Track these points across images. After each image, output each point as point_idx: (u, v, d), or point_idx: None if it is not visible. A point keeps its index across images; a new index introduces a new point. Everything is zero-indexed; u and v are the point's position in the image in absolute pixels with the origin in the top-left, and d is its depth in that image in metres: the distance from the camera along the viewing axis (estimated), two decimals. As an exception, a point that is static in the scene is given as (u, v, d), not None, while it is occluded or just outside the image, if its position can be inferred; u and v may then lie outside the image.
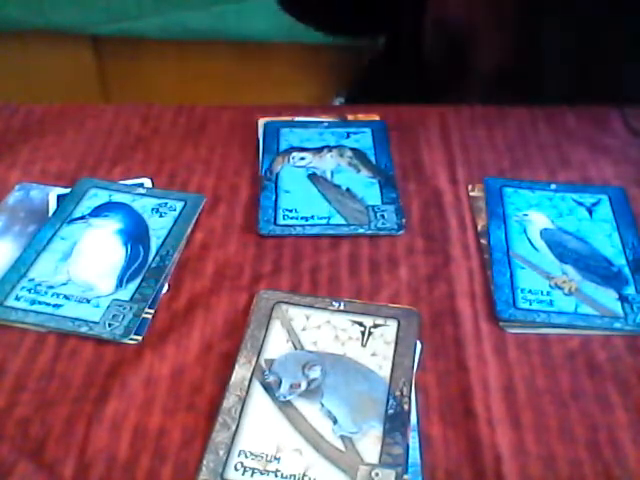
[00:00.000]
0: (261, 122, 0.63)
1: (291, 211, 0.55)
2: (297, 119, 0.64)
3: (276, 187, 0.57)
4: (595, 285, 0.48)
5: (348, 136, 0.62)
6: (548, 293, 0.48)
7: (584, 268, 0.50)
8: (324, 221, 0.54)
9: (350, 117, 0.64)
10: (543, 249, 0.51)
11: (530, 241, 0.52)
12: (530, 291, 0.48)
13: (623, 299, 0.47)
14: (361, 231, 0.53)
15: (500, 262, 0.50)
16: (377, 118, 0.64)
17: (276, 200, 0.55)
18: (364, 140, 0.61)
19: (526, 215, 0.54)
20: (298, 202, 0.55)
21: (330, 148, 0.60)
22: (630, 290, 0.48)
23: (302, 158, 0.59)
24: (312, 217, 0.54)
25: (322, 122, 0.64)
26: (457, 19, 0.72)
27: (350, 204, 0.55)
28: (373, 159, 0.59)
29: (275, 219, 0.54)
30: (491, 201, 0.55)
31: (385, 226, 0.53)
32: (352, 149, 0.60)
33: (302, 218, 0.54)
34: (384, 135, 0.62)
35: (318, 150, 0.60)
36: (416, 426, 0.40)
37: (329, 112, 0.65)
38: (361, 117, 0.64)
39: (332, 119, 0.64)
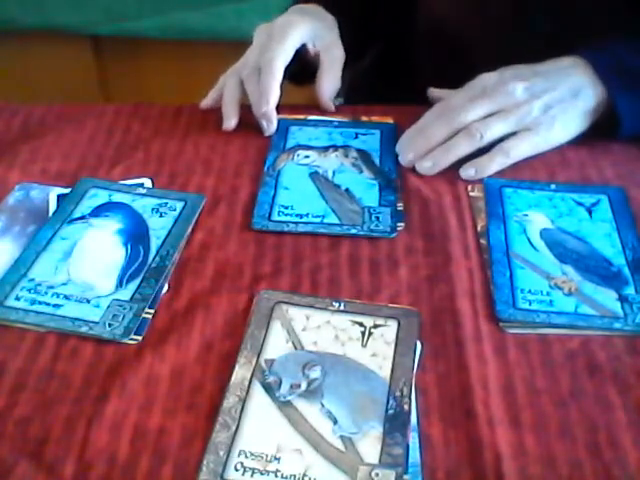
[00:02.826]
0: None
1: (287, 207, 0.55)
2: (310, 118, 0.64)
3: (276, 183, 0.57)
4: (595, 285, 0.48)
5: (356, 136, 0.62)
6: (548, 293, 0.48)
7: (584, 268, 0.50)
8: (318, 219, 0.54)
9: (364, 118, 0.64)
10: (543, 249, 0.51)
11: (530, 241, 0.52)
12: (530, 291, 0.48)
13: (623, 299, 0.47)
14: (354, 232, 0.52)
15: (500, 262, 0.50)
16: (391, 121, 0.64)
17: (274, 196, 0.56)
18: (372, 141, 0.61)
19: (526, 215, 0.54)
20: (295, 199, 0.55)
21: (336, 148, 0.60)
22: (630, 290, 0.48)
23: (307, 156, 0.59)
24: (307, 215, 0.54)
25: (332, 121, 0.64)
26: (450, 19, 0.72)
27: (347, 204, 0.55)
28: (377, 161, 0.59)
29: (270, 215, 0.54)
30: (491, 201, 0.55)
31: (378, 228, 0.53)
32: (358, 150, 0.60)
33: (296, 215, 0.54)
34: (392, 138, 0.62)
35: (324, 149, 0.60)
36: (416, 426, 0.40)
37: (344, 112, 0.66)
38: (375, 119, 0.64)
39: (344, 119, 0.64)
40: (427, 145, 0.58)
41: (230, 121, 0.63)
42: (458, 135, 0.57)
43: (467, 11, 0.71)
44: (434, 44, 0.75)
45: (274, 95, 0.61)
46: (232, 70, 0.66)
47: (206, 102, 0.66)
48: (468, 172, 0.57)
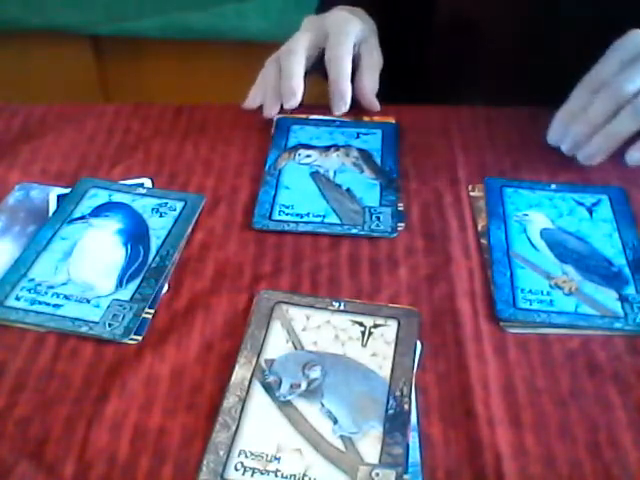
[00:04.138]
0: (276, 118, 0.64)
1: (288, 207, 0.55)
2: (311, 117, 0.64)
3: (277, 183, 0.57)
4: (595, 285, 0.48)
5: (358, 136, 0.62)
6: (548, 293, 0.48)
7: (584, 268, 0.50)
8: (319, 219, 0.54)
9: (366, 118, 0.64)
10: (543, 249, 0.51)
11: (530, 241, 0.52)
12: (530, 291, 0.48)
13: (623, 299, 0.47)
14: (354, 232, 0.52)
15: (500, 262, 0.50)
16: (392, 120, 0.64)
17: (275, 196, 0.56)
18: (373, 141, 0.61)
19: (526, 215, 0.54)
20: (296, 199, 0.55)
21: (337, 147, 0.60)
22: (630, 290, 0.48)
23: (308, 156, 0.59)
24: (307, 214, 0.54)
25: (334, 121, 0.64)
26: (471, 16, 0.71)
27: (348, 204, 0.55)
28: (379, 160, 0.59)
29: (271, 214, 0.54)
30: (491, 201, 0.55)
31: (379, 228, 0.53)
32: (359, 149, 0.60)
33: (297, 215, 0.54)
34: (394, 137, 0.62)
35: (325, 149, 0.60)
36: (416, 426, 0.40)
37: (345, 112, 0.65)
38: (377, 119, 0.64)
39: (345, 119, 0.64)
40: (588, 129, 0.53)
41: (273, 110, 0.61)
42: (621, 113, 0.51)
43: (484, 3, 0.69)
44: (450, 40, 0.74)
45: (349, 90, 0.59)
46: (272, 59, 0.64)
47: (250, 103, 0.64)
48: (634, 157, 0.52)
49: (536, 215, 0.54)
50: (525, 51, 0.57)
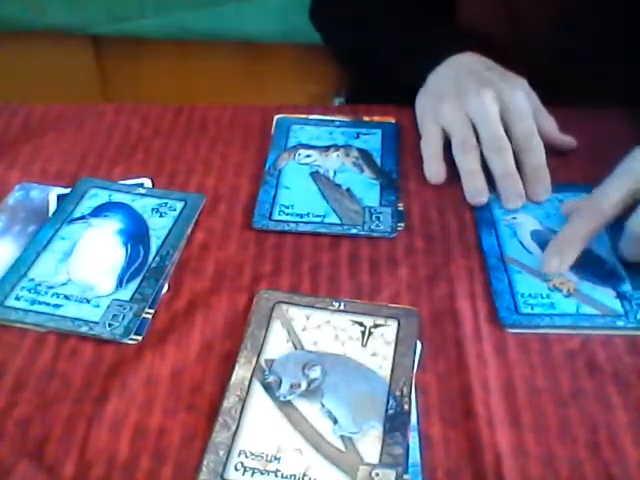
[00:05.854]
0: (276, 118, 0.64)
1: (288, 207, 0.55)
2: (311, 117, 0.64)
3: (277, 183, 0.57)
4: (592, 284, 0.48)
5: (358, 136, 0.62)
6: (548, 296, 0.48)
7: (579, 267, 0.49)
8: (319, 219, 0.54)
9: (366, 118, 0.64)
10: (536, 251, 0.51)
11: (522, 244, 0.52)
12: (530, 295, 0.48)
13: (621, 296, 0.47)
14: (354, 232, 0.52)
15: (496, 268, 0.50)
16: (392, 120, 0.64)
17: (275, 195, 0.56)
18: (373, 141, 0.61)
19: (514, 218, 0.54)
20: (296, 198, 0.55)
21: (337, 147, 0.60)
22: (626, 287, 0.48)
23: (308, 156, 0.59)
24: (307, 214, 0.54)
25: (334, 121, 0.64)
26: (490, 21, 0.70)
27: (347, 204, 0.55)
28: (379, 161, 0.59)
29: (271, 214, 0.54)
30: (478, 207, 0.55)
31: (379, 228, 0.53)
32: (359, 149, 0.60)
33: (297, 215, 0.54)
34: (394, 137, 0.62)
35: (325, 149, 0.60)
36: (416, 426, 0.40)
37: (345, 112, 0.65)
38: (376, 119, 0.64)
39: (345, 118, 0.64)
40: None
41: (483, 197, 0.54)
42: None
43: (492, 13, 0.69)
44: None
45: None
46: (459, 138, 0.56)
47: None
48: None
49: (524, 217, 0.54)
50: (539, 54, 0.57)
